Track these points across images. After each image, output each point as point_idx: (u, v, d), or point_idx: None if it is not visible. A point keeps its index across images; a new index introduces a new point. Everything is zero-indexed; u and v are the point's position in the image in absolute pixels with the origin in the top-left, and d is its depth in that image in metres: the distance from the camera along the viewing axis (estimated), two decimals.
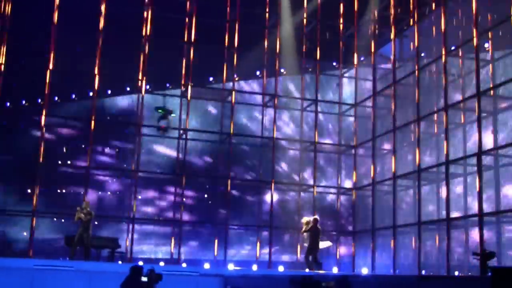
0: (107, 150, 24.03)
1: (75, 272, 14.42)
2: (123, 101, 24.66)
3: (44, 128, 21.59)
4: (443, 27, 20.46)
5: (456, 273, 19.53)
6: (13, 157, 22.33)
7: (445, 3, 20.63)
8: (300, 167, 24.84)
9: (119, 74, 23.55)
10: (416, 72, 21.68)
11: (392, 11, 23.70)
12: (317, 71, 25.05)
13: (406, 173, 22.05)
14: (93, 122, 21.99)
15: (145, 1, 23.24)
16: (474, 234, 19.42)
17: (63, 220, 22.38)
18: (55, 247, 21.41)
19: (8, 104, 23.01)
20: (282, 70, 25.12)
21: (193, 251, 23.75)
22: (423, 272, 20.30)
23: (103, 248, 19.12)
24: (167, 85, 24.75)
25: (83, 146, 22.70)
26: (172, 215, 23.12)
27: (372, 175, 23.59)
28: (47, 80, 21.64)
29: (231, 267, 17.71)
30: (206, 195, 24.88)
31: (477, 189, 17.93)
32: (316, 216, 18.26)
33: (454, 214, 20.06)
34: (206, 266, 17.88)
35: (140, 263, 14.85)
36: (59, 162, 23.30)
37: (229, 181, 23.19)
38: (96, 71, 22.18)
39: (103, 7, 22.52)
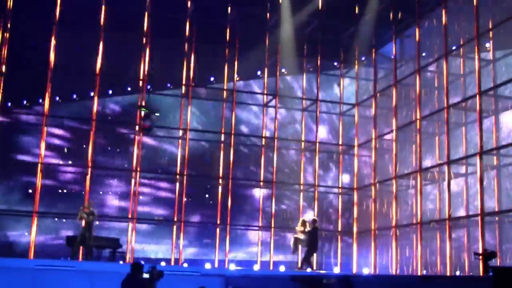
0: (108, 150, 24.02)
1: (76, 272, 14.42)
2: (124, 101, 24.65)
3: (45, 128, 21.59)
4: (444, 27, 20.43)
5: (458, 273, 19.52)
6: (15, 156, 22.36)
7: (446, 3, 20.61)
8: (301, 167, 24.80)
9: (120, 74, 23.55)
10: (418, 72, 21.66)
11: (393, 11, 23.66)
12: (318, 70, 25.05)
13: (407, 173, 22.03)
14: (94, 122, 22.01)
15: (146, 1, 23.21)
16: (476, 234, 19.40)
17: (64, 220, 22.38)
18: (56, 247, 21.41)
19: (10, 104, 23.00)
20: (283, 70, 25.11)
21: (194, 251, 23.74)
22: (424, 272, 20.29)
23: (104, 248, 19.11)
24: (168, 85, 24.76)
25: (84, 146, 22.69)
26: (173, 215, 23.10)
27: (373, 175, 23.58)
28: (48, 80, 21.64)
29: (232, 267, 17.70)
30: (207, 195, 24.88)
31: (479, 189, 17.92)
32: (315, 217, 18.32)
33: (457, 214, 20.05)
34: (207, 266, 17.87)
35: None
36: (60, 162, 23.31)
37: (230, 181, 23.19)
38: (97, 71, 22.19)
39: (104, 7, 22.50)
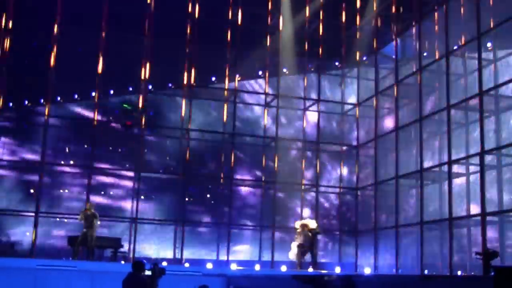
0: (109, 150, 24.01)
1: (78, 272, 14.43)
2: (125, 101, 24.62)
3: (46, 128, 21.62)
4: (445, 26, 20.42)
5: (459, 272, 19.50)
6: (18, 157, 22.38)
7: (447, 3, 20.60)
8: (302, 167, 24.80)
9: (122, 74, 23.54)
10: (419, 71, 21.65)
11: (394, 11, 23.66)
12: (319, 70, 25.05)
13: (409, 173, 22.02)
14: (95, 122, 22.02)
15: (147, 1, 23.23)
16: (477, 233, 19.39)
17: (65, 221, 22.39)
18: (58, 247, 21.42)
19: (11, 104, 23.01)
20: (284, 70, 25.11)
21: (196, 251, 23.73)
22: (426, 271, 20.27)
23: (106, 248, 19.12)
24: (169, 85, 24.76)
25: (85, 146, 22.69)
26: (175, 215, 23.10)
27: (374, 174, 23.56)
28: (50, 80, 21.66)
29: (234, 267, 17.70)
30: (208, 195, 24.87)
31: (480, 189, 17.91)
32: (315, 220, 18.34)
33: (462, 213, 20.05)
34: (209, 266, 17.87)
35: None
36: (62, 162, 23.31)
37: (231, 181, 23.19)
38: (98, 71, 22.20)
39: (105, 7, 22.52)
